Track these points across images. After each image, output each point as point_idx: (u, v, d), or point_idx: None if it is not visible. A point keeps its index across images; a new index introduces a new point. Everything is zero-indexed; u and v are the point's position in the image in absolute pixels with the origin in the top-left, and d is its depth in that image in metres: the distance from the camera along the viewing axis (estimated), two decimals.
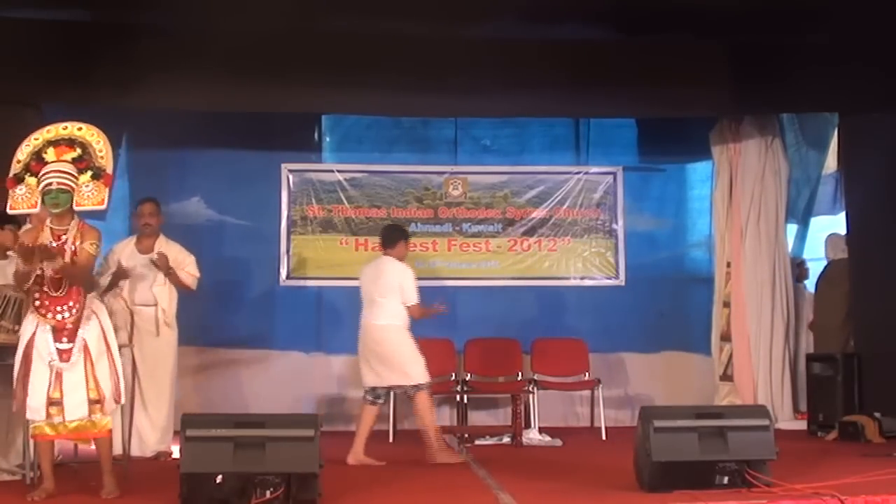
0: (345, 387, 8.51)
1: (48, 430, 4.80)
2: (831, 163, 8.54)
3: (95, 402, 4.80)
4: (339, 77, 7.07)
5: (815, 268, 8.56)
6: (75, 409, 4.76)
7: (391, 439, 7.64)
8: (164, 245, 6.65)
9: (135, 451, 6.27)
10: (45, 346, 4.78)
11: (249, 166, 8.59)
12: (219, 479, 4.45)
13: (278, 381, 8.34)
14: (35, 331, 4.81)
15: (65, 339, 4.78)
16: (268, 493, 4.39)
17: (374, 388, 6.42)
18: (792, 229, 8.59)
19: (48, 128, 4.96)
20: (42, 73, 6.83)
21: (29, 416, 4.79)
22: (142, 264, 6.57)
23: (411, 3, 6.49)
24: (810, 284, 8.61)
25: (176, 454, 5.99)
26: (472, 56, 7.06)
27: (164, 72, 6.72)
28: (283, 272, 8.62)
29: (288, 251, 8.65)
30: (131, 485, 5.03)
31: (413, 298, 6.45)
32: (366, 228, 8.70)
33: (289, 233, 8.66)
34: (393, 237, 6.63)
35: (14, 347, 5.19)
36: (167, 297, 6.59)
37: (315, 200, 8.69)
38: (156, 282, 6.56)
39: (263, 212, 8.60)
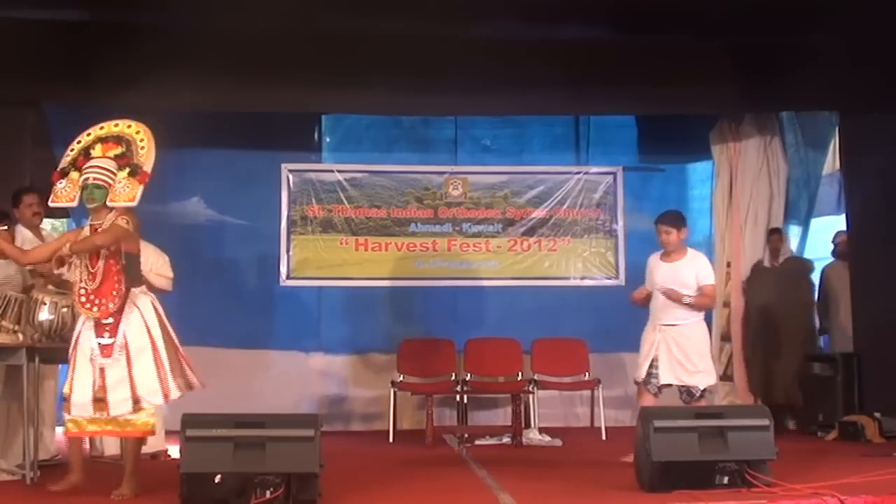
0: (345, 387, 8.52)
1: (85, 427, 4.82)
2: (832, 163, 8.53)
3: (136, 402, 4.80)
4: (339, 77, 7.08)
5: (819, 268, 8.54)
6: (119, 405, 4.77)
7: (391, 439, 7.64)
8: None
9: None
10: (87, 342, 4.80)
11: (249, 166, 8.59)
12: (217, 478, 4.45)
13: (278, 381, 8.33)
14: (81, 328, 4.85)
15: (106, 335, 4.80)
16: (268, 493, 4.39)
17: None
18: (792, 230, 8.59)
19: (102, 124, 5.04)
20: (42, 73, 6.83)
21: (74, 412, 4.80)
22: None
23: (411, 3, 6.49)
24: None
25: (173, 453, 5.99)
26: (472, 56, 7.06)
27: (164, 72, 6.72)
28: (283, 272, 8.61)
29: (288, 251, 8.64)
30: (140, 487, 5.02)
31: None
32: (366, 228, 8.71)
33: (289, 233, 8.66)
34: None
35: (14, 348, 5.21)
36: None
37: (315, 200, 8.69)
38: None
39: (263, 212, 8.60)
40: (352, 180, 8.75)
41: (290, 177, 8.70)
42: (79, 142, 4.99)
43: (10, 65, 6.63)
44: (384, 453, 6.86)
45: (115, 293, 4.80)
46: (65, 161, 4.95)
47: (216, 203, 8.50)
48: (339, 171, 8.76)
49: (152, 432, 5.03)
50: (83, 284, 4.82)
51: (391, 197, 8.78)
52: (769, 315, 7.97)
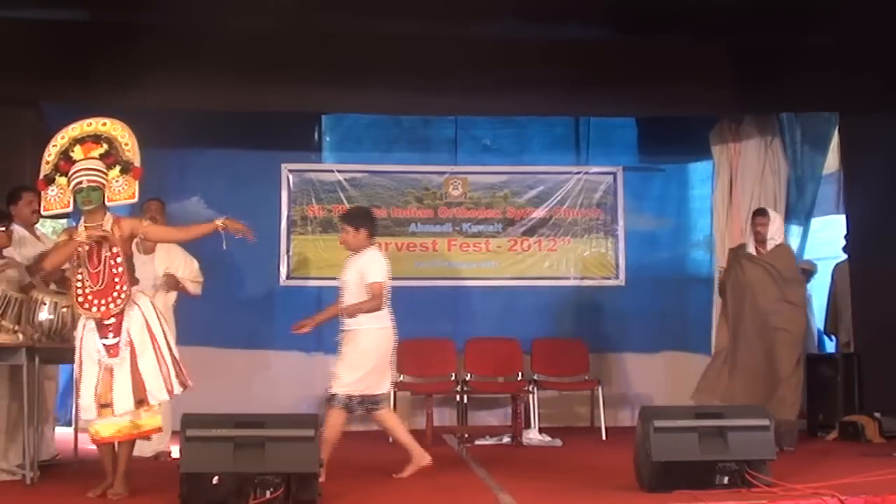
0: None
1: (103, 433, 4.80)
2: (832, 163, 8.54)
3: (139, 402, 4.80)
4: (339, 76, 7.09)
5: (822, 268, 8.53)
6: (122, 403, 4.76)
7: (391, 439, 7.62)
8: (165, 246, 6.64)
9: (134, 451, 6.26)
10: (91, 343, 4.79)
11: (249, 166, 8.59)
12: (215, 480, 4.45)
13: (278, 381, 8.33)
14: (83, 331, 4.82)
15: (110, 335, 4.78)
16: (268, 493, 4.39)
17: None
18: (792, 230, 8.59)
19: (73, 126, 4.97)
20: (42, 73, 6.84)
21: (82, 415, 4.82)
22: (141, 263, 6.54)
23: (411, 3, 6.49)
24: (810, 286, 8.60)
25: (175, 454, 5.99)
26: (472, 55, 7.07)
27: (164, 71, 6.73)
28: (283, 272, 8.62)
29: (288, 251, 8.65)
30: (131, 485, 5.03)
31: None
32: None
33: (289, 233, 8.66)
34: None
35: (14, 348, 5.20)
36: (162, 300, 6.58)
37: (315, 200, 8.69)
38: (154, 283, 6.55)
39: (263, 212, 8.58)
40: (352, 180, 8.75)
41: (290, 177, 8.70)
42: (54, 145, 4.91)
43: (9, 65, 6.64)
44: (384, 453, 6.85)
45: (116, 294, 4.78)
46: (46, 167, 4.88)
47: (216, 203, 8.47)
48: (339, 171, 8.76)
49: (158, 430, 5.03)
50: (84, 286, 4.79)
51: (391, 197, 8.79)
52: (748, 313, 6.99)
